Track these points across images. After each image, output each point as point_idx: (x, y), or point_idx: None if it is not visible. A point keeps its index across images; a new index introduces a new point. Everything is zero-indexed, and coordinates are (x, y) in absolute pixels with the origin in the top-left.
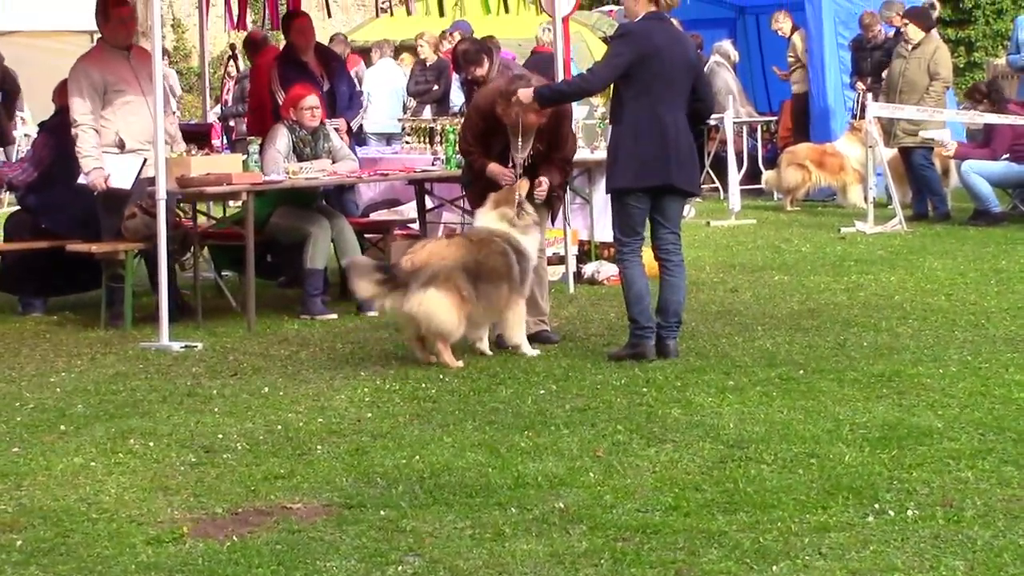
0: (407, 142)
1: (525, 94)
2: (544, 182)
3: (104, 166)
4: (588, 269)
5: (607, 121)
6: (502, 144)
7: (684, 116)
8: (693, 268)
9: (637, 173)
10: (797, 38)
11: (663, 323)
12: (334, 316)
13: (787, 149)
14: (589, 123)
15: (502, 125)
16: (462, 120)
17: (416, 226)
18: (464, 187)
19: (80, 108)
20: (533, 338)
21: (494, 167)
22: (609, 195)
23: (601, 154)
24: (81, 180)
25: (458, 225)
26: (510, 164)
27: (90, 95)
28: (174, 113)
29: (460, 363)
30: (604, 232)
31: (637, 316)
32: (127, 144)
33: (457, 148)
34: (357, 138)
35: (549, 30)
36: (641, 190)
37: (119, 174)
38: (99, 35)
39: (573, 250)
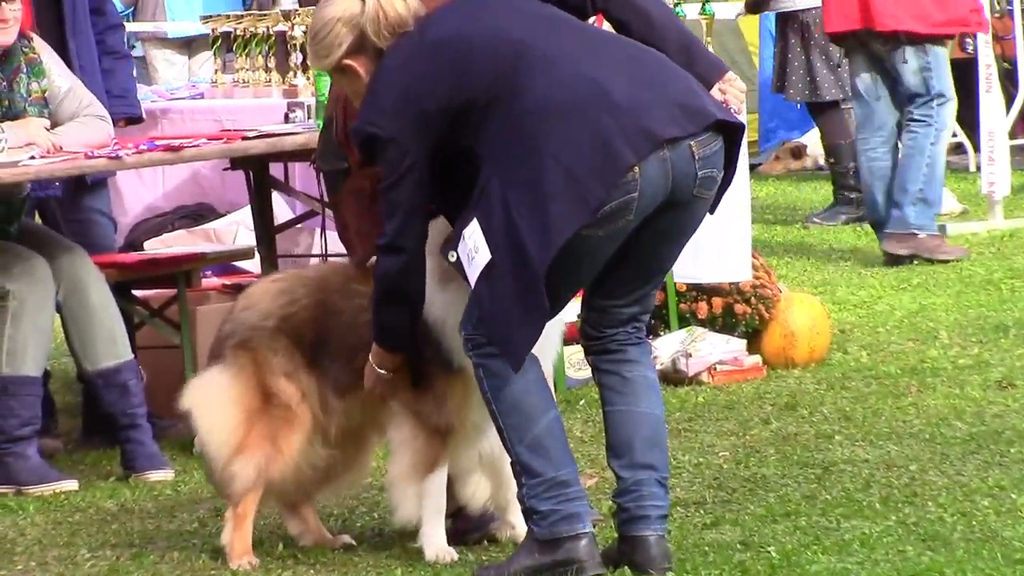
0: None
1: None
2: None
3: None
4: (661, 350)
5: None
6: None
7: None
8: (914, 331)
9: None
10: None
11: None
12: (71, 484)
13: None
14: None
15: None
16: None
17: (252, 264)
18: (323, 174)
19: None
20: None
21: None
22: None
23: None
24: None
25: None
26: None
27: None
28: None
29: (248, 560)
30: (700, 265)
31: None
32: None
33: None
34: (110, 59)
35: None
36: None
37: None
38: None
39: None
